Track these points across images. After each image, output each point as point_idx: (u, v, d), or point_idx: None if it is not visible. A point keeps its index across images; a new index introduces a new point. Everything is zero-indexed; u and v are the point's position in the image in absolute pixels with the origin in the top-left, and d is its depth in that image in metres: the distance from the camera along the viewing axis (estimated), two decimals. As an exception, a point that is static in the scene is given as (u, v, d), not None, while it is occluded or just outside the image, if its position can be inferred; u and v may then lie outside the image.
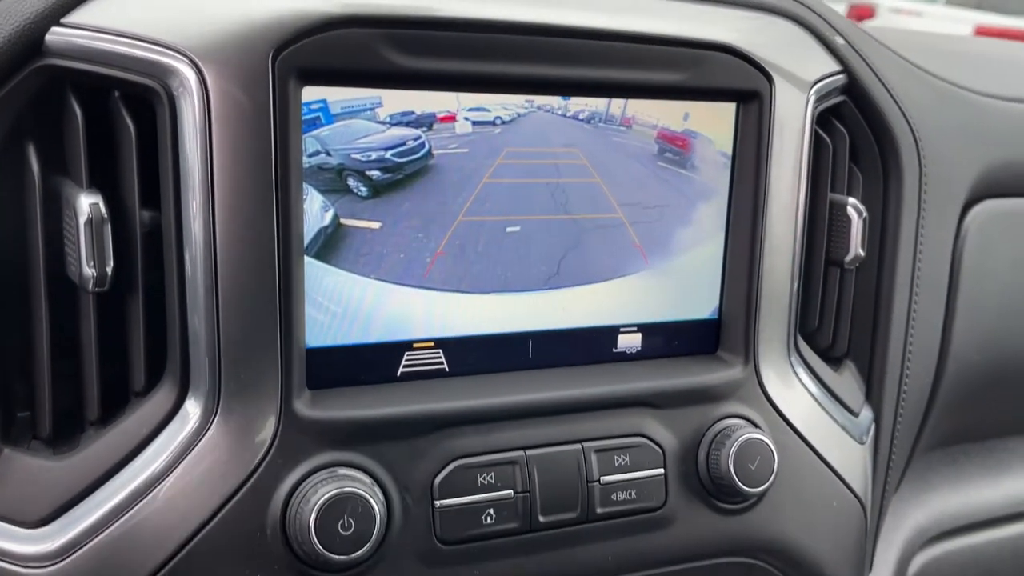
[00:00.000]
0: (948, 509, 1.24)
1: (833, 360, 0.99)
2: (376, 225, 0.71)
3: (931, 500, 1.23)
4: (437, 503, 0.71)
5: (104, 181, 0.67)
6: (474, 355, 0.77)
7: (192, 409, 0.67)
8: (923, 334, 1.03)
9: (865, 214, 0.93)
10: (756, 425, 0.83)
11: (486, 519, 0.73)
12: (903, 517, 1.19)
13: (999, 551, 1.28)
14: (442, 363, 0.76)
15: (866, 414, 0.99)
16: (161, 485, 0.66)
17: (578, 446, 0.77)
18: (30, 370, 0.69)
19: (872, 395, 1.01)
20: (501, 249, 0.76)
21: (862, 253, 0.93)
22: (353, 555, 0.66)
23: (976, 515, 1.25)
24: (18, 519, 0.67)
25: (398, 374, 0.75)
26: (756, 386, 0.85)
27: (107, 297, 0.67)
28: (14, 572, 0.66)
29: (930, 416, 1.10)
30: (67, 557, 0.65)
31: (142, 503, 0.66)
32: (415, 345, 0.75)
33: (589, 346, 0.82)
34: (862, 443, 0.96)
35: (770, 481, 0.80)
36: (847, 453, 0.93)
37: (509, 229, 0.76)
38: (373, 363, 0.74)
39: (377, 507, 0.67)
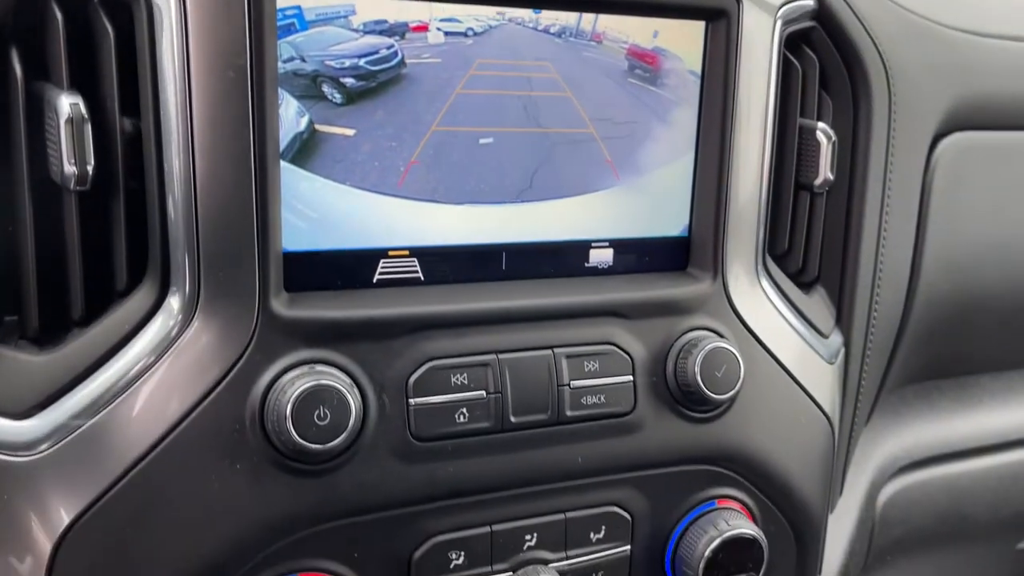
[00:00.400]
0: (920, 440, 1.27)
1: (804, 286, 1.02)
2: (350, 132, 0.73)
3: (903, 431, 1.26)
4: (412, 401, 0.74)
5: (86, 88, 0.69)
6: (448, 265, 0.80)
7: (173, 306, 0.70)
8: (893, 261, 1.06)
9: (835, 139, 0.95)
10: (723, 337, 0.85)
11: (459, 418, 0.75)
12: (875, 446, 1.22)
13: (970, 482, 1.31)
14: (417, 272, 0.79)
15: (836, 338, 1.02)
16: (143, 378, 0.69)
17: (549, 351, 0.79)
18: (16, 272, 0.71)
19: (842, 320, 1.03)
20: (474, 161, 0.78)
21: (831, 177, 0.96)
22: (329, 444, 0.68)
23: (948, 446, 1.28)
24: (5, 411, 0.69)
25: (374, 281, 0.77)
26: (724, 300, 0.87)
27: (90, 199, 0.70)
28: (2, 460, 0.69)
29: (901, 345, 1.13)
30: (52, 446, 0.68)
31: (125, 395, 0.68)
32: (390, 253, 0.77)
33: (561, 260, 0.84)
34: (831, 363, 0.99)
35: (736, 388, 0.83)
36: (815, 371, 0.95)
37: (482, 141, 0.78)
38: (349, 269, 0.76)
39: (353, 401, 0.69)
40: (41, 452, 0.68)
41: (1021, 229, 1.21)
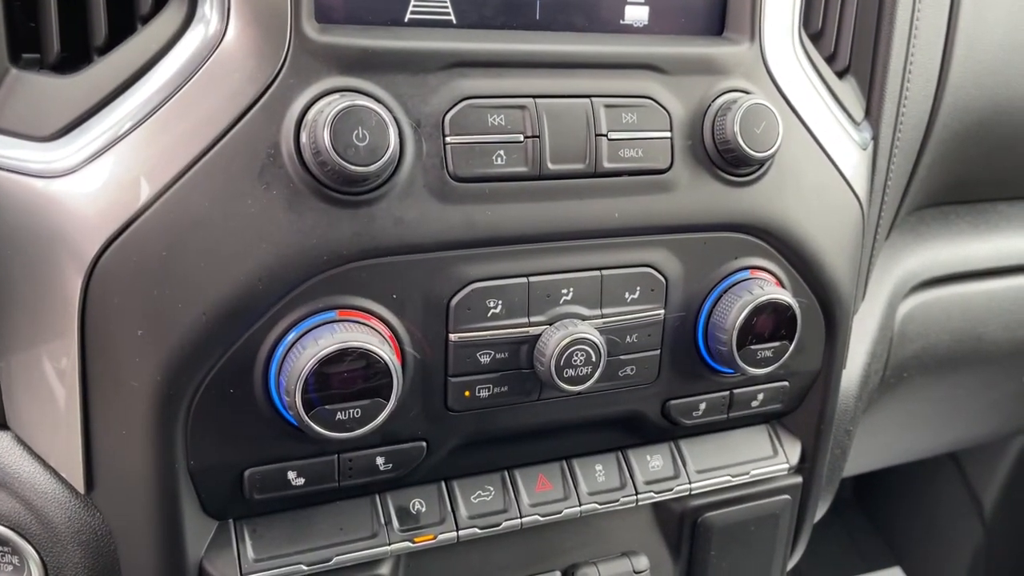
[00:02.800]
0: (938, 258, 1.26)
1: (835, 74, 0.99)
2: None
3: (922, 249, 1.26)
4: (448, 139, 0.72)
5: None
6: (481, 8, 0.77)
7: (200, 26, 0.66)
8: (923, 55, 1.03)
9: (872, -84, 0.92)
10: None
11: (496, 160, 0.73)
12: (895, 261, 1.22)
13: (986, 302, 1.31)
14: (449, 13, 0.76)
15: (866, 129, 1.00)
16: (174, 99, 0.66)
17: (587, 100, 0.77)
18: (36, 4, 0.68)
19: (871, 113, 1.01)
20: None
21: (867, -48, 0.93)
22: (369, 167, 0.66)
23: (965, 265, 1.28)
24: (30, 134, 0.67)
25: (405, 19, 0.74)
26: (761, 65, 0.85)
27: None
28: (28, 185, 0.67)
29: (927, 150, 1.11)
30: (80, 168, 0.66)
31: (155, 116, 0.66)
32: (422, -8, 0.74)
33: (596, 13, 0.81)
34: (864, 149, 0.97)
35: (775, 146, 0.81)
36: (848, 152, 0.94)
37: None
38: (380, 3, 0.73)
39: (390, 124, 0.67)
40: (70, 176, 0.66)
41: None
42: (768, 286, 0.85)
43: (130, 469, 0.71)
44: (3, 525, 0.73)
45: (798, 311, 0.85)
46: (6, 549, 0.74)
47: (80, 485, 0.73)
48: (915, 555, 2.52)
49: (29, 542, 0.73)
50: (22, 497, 0.73)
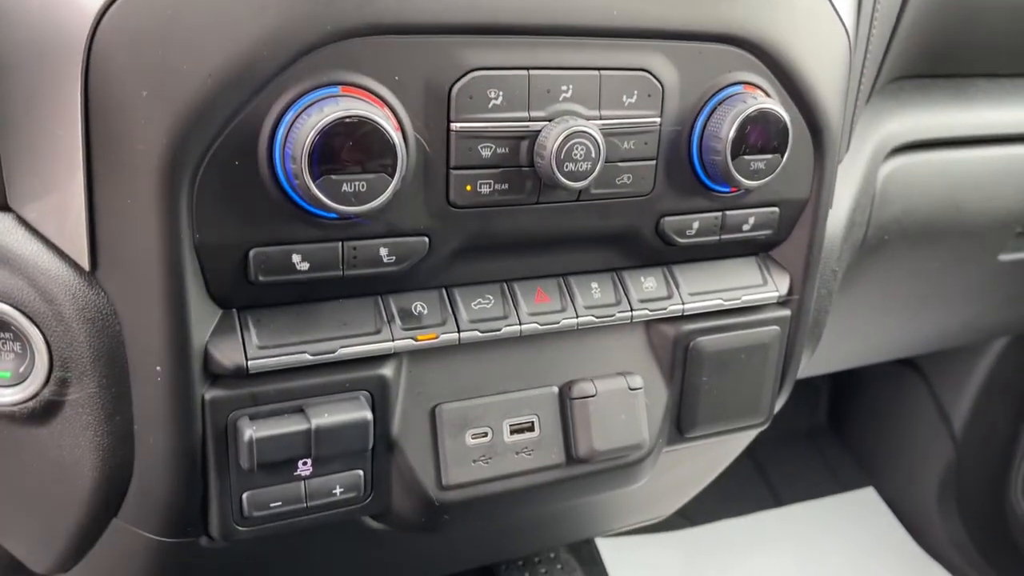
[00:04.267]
0: (919, 124, 1.29)
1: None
2: None
3: (902, 115, 1.28)
4: None
5: None
6: None
7: None
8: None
9: None
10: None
11: None
12: (877, 122, 1.24)
13: (965, 170, 1.34)
14: None
15: (850, -28, 1.01)
16: None
17: None
18: None
19: (855, -44, 1.03)
20: None
21: None
22: None
23: (944, 131, 1.31)
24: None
25: None
26: None
27: None
28: None
29: (908, 4, 1.13)
30: None
31: None
32: None
33: None
34: (848, -21, 0.99)
35: (766, -50, 0.83)
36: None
37: None
38: None
39: None
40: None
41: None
42: (760, 98, 0.87)
43: (135, 244, 0.71)
44: (6, 303, 0.72)
45: (789, 123, 0.87)
46: (7, 336, 0.74)
47: (85, 263, 0.73)
48: (887, 475, 2.57)
49: (33, 321, 0.73)
50: (26, 275, 0.73)
